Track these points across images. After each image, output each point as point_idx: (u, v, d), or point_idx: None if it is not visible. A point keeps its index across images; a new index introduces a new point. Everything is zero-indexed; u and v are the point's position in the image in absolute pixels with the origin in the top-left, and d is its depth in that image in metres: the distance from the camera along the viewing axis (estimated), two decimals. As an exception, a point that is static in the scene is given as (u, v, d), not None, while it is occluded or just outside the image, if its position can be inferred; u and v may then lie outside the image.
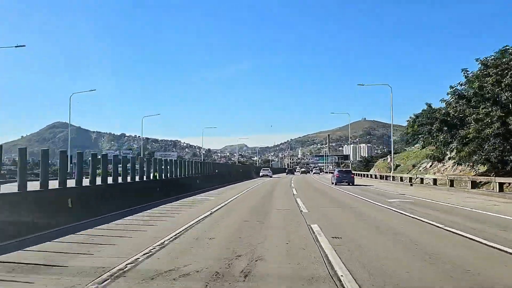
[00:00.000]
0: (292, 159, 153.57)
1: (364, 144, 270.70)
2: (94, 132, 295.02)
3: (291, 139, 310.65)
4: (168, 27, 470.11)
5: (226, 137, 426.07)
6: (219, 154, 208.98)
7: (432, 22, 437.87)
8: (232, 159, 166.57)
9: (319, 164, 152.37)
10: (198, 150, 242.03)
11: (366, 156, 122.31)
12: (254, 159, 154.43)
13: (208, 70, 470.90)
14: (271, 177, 54.06)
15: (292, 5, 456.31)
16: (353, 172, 37.20)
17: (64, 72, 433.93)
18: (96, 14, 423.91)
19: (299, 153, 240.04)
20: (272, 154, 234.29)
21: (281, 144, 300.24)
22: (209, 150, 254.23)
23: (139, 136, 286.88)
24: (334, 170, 43.81)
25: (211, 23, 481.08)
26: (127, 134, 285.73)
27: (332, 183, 32.70)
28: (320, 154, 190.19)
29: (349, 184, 30.50)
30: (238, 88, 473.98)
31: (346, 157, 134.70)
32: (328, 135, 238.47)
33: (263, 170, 61.63)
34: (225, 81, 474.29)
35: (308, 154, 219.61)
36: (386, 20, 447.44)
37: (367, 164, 69.07)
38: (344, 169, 39.27)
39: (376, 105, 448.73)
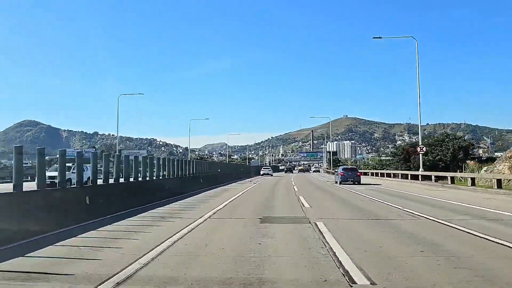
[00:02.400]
0: (274, 157, 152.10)
1: (348, 141, 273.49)
2: (65, 130, 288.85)
3: (271, 137, 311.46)
4: (142, 25, 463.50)
5: (207, 136, 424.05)
6: (197, 153, 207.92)
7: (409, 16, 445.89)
8: (212, 157, 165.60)
9: (303, 162, 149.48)
10: (175, 148, 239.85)
11: (398, 148, 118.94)
12: (234, 157, 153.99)
13: (188, 68, 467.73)
14: (271, 175, 56.29)
15: (271, 1, 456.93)
16: (359, 170, 36.61)
17: (33, 66, 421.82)
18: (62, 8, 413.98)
19: (280, 150, 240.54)
20: (252, 152, 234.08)
21: (262, 142, 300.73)
22: (186, 148, 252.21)
23: (113, 135, 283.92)
24: (338, 168, 41.87)
25: (188, 20, 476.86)
26: (100, 133, 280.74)
27: (336, 182, 31.58)
28: (303, 151, 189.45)
29: (354, 183, 29.12)
30: (217, 87, 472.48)
31: (335, 153, 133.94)
32: (312, 130, 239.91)
33: (263, 168, 64.46)
34: (204, 80, 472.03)
35: (290, 152, 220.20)
36: (367, 15, 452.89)
37: (407, 158, 47.38)
38: (349, 167, 37.91)
39: (357, 102, 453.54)
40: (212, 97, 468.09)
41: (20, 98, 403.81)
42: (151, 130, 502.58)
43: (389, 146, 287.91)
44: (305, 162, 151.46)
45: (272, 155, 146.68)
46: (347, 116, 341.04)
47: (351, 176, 30.58)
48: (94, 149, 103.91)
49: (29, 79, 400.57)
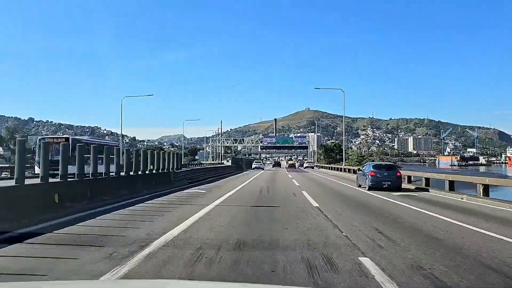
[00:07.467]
0: (227, 144, 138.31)
1: (312, 134, 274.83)
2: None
3: (230, 129, 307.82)
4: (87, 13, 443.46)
5: (165, 128, 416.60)
6: (145, 144, 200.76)
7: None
8: (163, 148, 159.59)
9: (266, 155, 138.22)
10: (122, 138, 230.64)
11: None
12: (188, 148, 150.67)
13: (146, 57, 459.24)
14: (263, 169, 61.89)
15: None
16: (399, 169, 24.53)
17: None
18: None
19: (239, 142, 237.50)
20: (209, 144, 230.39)
21: (220, 134, 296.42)
22: (134, 138, 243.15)
23: (51, 122, 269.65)
24: (365, 165, 25.11)
25: (140, 11, 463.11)
26: (36, 119, 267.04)
27: (359, 186, 22.03)
28: (270, 135, 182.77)
29: (391, 189, 19.22)
30: (177, 79, 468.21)
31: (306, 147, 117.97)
32: (275, 119, 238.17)
33: (255, 162, 71.01)
34: (162, 72, 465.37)
35: (250, 144, 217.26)
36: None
37: None
38: (383, 164, 24.49)
39: (319, 96, 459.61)
40: (173, 90, 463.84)
41: None
42: (96, 118, 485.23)
43: (352, 140, 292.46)
44: (267, 156, 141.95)
45: (222, 144, 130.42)
46: (309, 109, 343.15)
47: (388, 178, 19.92)
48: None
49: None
